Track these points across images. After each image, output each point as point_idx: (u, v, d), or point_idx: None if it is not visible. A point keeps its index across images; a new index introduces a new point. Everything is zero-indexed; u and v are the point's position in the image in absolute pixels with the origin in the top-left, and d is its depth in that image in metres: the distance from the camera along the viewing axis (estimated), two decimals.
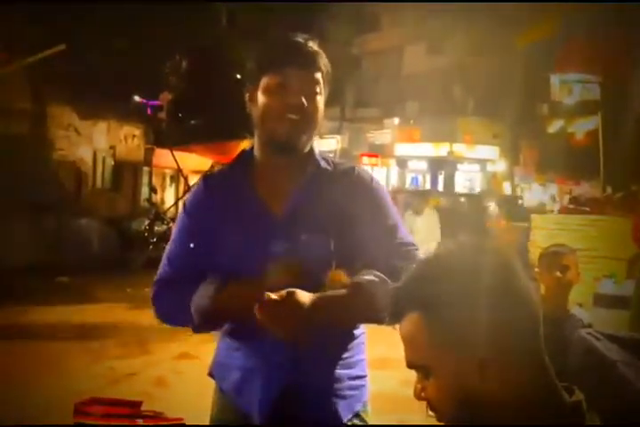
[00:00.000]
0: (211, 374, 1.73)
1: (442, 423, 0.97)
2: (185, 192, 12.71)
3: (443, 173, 23.29)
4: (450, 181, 22.83)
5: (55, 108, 12.87)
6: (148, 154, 15.81)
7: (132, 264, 10.53)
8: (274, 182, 1.65)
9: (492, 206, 14.69)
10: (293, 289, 1.45)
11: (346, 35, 21.54)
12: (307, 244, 1.56)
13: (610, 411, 1.12)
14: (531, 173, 20.62)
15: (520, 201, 16.87)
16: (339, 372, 1.62)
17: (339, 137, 23.40)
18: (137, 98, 12.42)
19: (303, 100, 1.56)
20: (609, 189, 11.54)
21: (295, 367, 1.55)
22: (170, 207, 13.90)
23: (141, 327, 6.31)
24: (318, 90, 1.60)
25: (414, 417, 3.34)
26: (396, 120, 23.65)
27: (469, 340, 0.91)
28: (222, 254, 1.61)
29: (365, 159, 22.21)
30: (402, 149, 23.63)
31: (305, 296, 1.45)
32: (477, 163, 23.60)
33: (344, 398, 1.61)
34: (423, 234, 7.88)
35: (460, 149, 22.40)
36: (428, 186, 22.45)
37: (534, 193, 19.86)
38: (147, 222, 12.17)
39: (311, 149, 1.67)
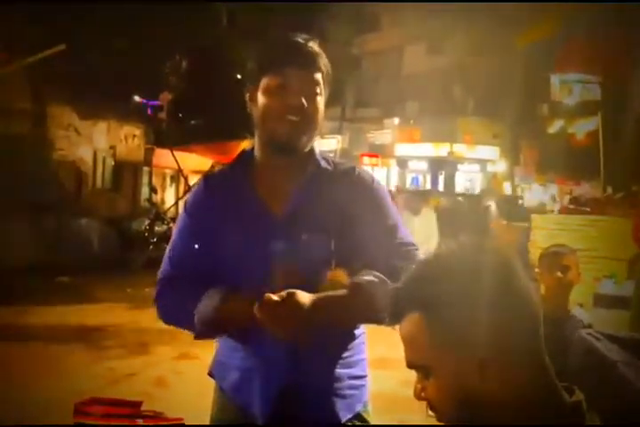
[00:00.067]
0: (211, 374, 1.73)
1: (442, 423, 0.97)
2: (185, 192, 12.70)
3: (443, 173, 23.30)
4: (450, 182, 22.84)
5: (55, 108, 12.86)
6: (149, 154, 15.79)
7: (133, 264, 10.52)
8: (274, 182, 1.65)
9: (493, 206, 14.68)
10: (293, 290, 1.45)
11: (346, 35, 21.54)
12: (307, 244, 1.56)
13: (610, 411, 1.12)
14: (531, 174, 20.61)
15: (520, 201, 16.85)
16: (339, 371, 1.62)
17: (339, 137, 23.40)
18: (137, 98, 12.42)
19: (303, 100, 1.56)
20: (609, 190, 11.54)
21: (295, 367, 1.55)
22: (170, 207, 13.89)
23: (141, 327, 6.31)
24: (318, 90, 1.60)
25: (414, 417, 3.34)
26: (397, 120, 23.66)
27: (469, 340, 0.91)
28: (222, 254, 1.61)
29: (366, 159, 22.23)
30: (402, 149, 23.64)
31: (305, 297, 1.45)
32: (478, 163, 23.61)
33: (344, 397, 1.61)
34: (420, 234, 7.88)
35: (460, 149, 22.41)
36: (428, 186, 22.46)
37: (534, 193, 19.83)
38: (147, 222, 12.16)
39: (312, 149, 1.67)
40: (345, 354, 1.63)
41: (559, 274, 2.70)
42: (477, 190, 21.25)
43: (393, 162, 24.42)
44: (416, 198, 9.18)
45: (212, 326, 1.54)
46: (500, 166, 22.73)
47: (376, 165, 22.64)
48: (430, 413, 0.97)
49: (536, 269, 2.79)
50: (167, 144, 11.56)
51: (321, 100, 1.61)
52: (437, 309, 0.93)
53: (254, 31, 11.50)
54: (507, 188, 20.73)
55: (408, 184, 23.47)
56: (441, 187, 22.32)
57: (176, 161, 11.34)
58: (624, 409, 1.64)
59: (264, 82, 1.59)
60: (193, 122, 9.99)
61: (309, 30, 1.75)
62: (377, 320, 1.39)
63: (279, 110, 1.57)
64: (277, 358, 1.55)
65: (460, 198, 16.95)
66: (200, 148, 10.58)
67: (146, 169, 16.44)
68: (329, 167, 1.68)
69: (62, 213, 11.19)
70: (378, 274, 1.51)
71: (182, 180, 14.04)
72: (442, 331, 0.93)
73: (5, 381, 4.57)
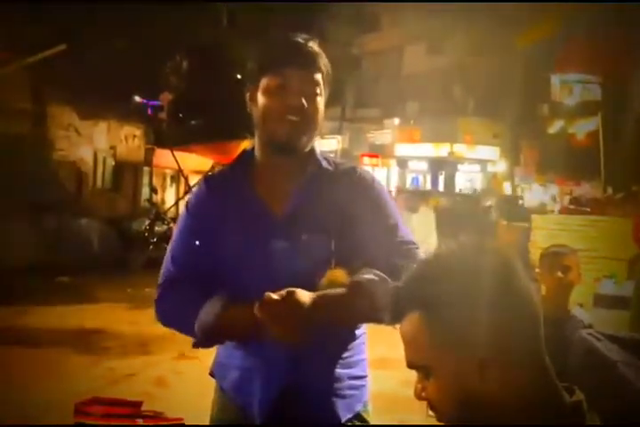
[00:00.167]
0: (212, 374, 1.73)
1: (442, 424, 0.97)
2: (185, 192, 12.71)
3: (443, 173, 23.30)
4: (450, 182, 22.85)
5: (55, 108, 12.86)
6: (149, 154, 15.80)
7: (133, 264, 10.53)
8: (274, 182, 1.65)
9: (493, 207, 14.69)
10: (293, 288, 1.45)
11: (346, 35, 21.52)
12: (307, 244, 1.56)
13: (610, 411, 1.12)
14: (531, 174, 20.62)
15: (520, 201, 16.86)
16: (339, 371, 1.61)
17: (339, 137, 23.41)
18: (137, 98, 12.42)
19: (303, 101, 1.56)
20: (609, 190, 11.56)
21: (295, 367, 1.55)
22: (170, 207, 13.88)
23: (141, 327, 6.31)
24: (318, 91, 1.60)
25: (414, 417, 3.34)
26: (397, 120, 23.66)
27: (470, 340, 0.91)
28: (223, 254, 1.61)
29: (366, 159, 22.24)
30: (402, 149, 23.64)
31: (305, 295, 1.45)
32: (478, 163, 23.61)
33: (344, 397, 1.61)
34: (418, 232, 7.88)
35: (460, 149, 22.41)
36: (428, 186, 22.47)
37: (535, 193, 19.83)
38: (147, 223, 12.17)
39: (312, 150, 1.67)
40: (345, 354, 1.63)
41: (560, 274, 2.70)
42: (478, 190, 21.26)
43: (393, 162, 24.42)
44: (414, 197, 9.19)
45: (212, 335, 1.53)
46: (501, 166, 22.73)
47: (376, 165, 22.64)
48: (430, 413, 0.97)
49: (536, 270, 2.79)
50: (167, 144, 11.56)
51: (321, 101, 1.61)
52: (438, 308, 0.93)
53: (254, 31, 11.50)
54: (507, 188, 20.74)
55: (408, 184, 23.48)
56: (441, 187, 22.32)
57: (176, 161, 11.34)
58: (624, 409, 1.64)
59: (264, 82, 1.59)
60: (193, 122, 9.98)
61: (309, 30, 1.75)
62: (377, 319, 1.39)
63: (279, 110, 1.57)
64: (278, 358, 1.55)
65: (461, 198, 16.95)
66: (200, 148, 10.57)
67: (146, 169, 16.44)
68: (330, 167, 1.68)
69: (62, 214, 11.18)
70: (378, 273, 1.50)
71: (182, 180, 14.05)
72: (442, 331, 0.93)
73: (5, 381, 4.57)
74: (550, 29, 16.01)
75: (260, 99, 1.60)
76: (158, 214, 12.55)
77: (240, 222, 1.62)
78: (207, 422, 1.72)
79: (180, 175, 14.12)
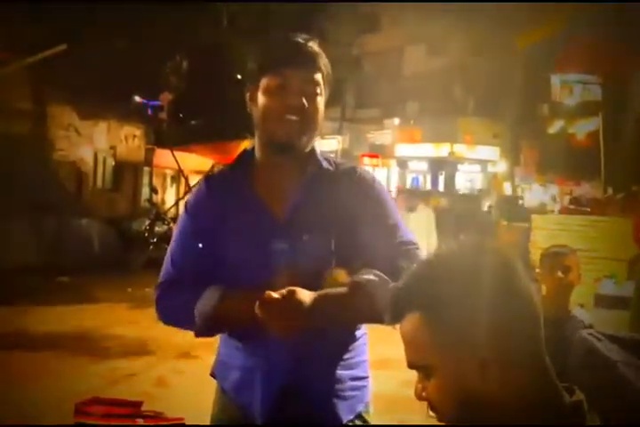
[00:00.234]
0: (213, 375, 1.73)
1: (442, 424, 0.97)
2: (185, 192, 12.72)
3: (443, 173, 23.29)
4: (450, 182, 22.84)
5: (55, 108, 12.86)
6: (149, 154, 15.81)
7: (133, 264, 10.53)
8: (275, 182, 1.65)
9: (493, 207, 14.69)
10: (294, 288, 1.45)
11: (346, 35, 21.51)
12: (307, 244, 1.56)
13: (610, 411, 1.12)
14: (531, 174, 20.63)
15: (520, 201, 16.86)
16: (340, 372, 1.61)
17: (339, 137, 23.41)
18: (137, 98, 12.44)
19: (303, 100, 1.56)
20: (610, 190, 11.56)
21: (296, 368, 1.55)
22: (170, 207, 13.89)
23: (141, 327, 6.31)
24: (318, 91, 1.60)
25: (415, 417, 3.34)
26: (397, 120, 23.66)
27: (470, 340, 0.91)
28: (223, 254, 1.61)
29: (366, 160, 22.23)
30: (402, 149, 23.64)
31: (305, 294, 1.45)
32: (478, 163, 23.61)
33: (345, 398, 1.61)
34: (416, 231, 7.87)
35: (460, 149, 22.41)
36: (428, 186, 22.46)
37: (535, 193, 19.84)
38: (147, 223, 12.17)
39: (312, 150, 1.67)
40: (346, 355, 1.63)
41: (560, 274, 2.70)
42: (478, 191, 21.26)
43: (393, 162, 24.42)
44: (414, 198, 9.20)
45: (211, 323, 1.54)
46: (501, 167, 22.73)
47: (376, 165, 22.63)
48: (431, 413, 0.97)
49: (537, 270, 2.79)
50: (167, 144, 11.58)
51: (321, 101, 1.61)
52: (438, 309, 0.93)
53: (254, 31, 11.51)
54: (507, 188, 20.74)
55: (408, 184, 23.47)
56: (441, 187, 22.32)
57: (176, 161, 11.35)
58: (624, 409, 1.64)
59: (264, 82, 1.59)
60: (193, 122, 10.00)
61: (309, 30, 1.75)
62: (377, 319, 1.38)
63: (279, 110, 1.57)
64: (279, 359, 1.55)
65: (461, 199, 16.96)
66: (200, 148, 10.58)
67: (146, 169, 16.45)
68: (330, 167, 1.68)
69: (62, 214, 11.18)
70: (378, 273, 1.50)
71: (183, 180, 14.06)
72: (442, 331, 0.93)
73: (5, 381, 4.57)
74: (551, 30, 16.00)
75: (260, 99, 1.60)
76: (158, 214, 12.55)
77: (240, 222, 1.61)
78: (207, 422, 1.72)
79: (180, 175, 14.14)
